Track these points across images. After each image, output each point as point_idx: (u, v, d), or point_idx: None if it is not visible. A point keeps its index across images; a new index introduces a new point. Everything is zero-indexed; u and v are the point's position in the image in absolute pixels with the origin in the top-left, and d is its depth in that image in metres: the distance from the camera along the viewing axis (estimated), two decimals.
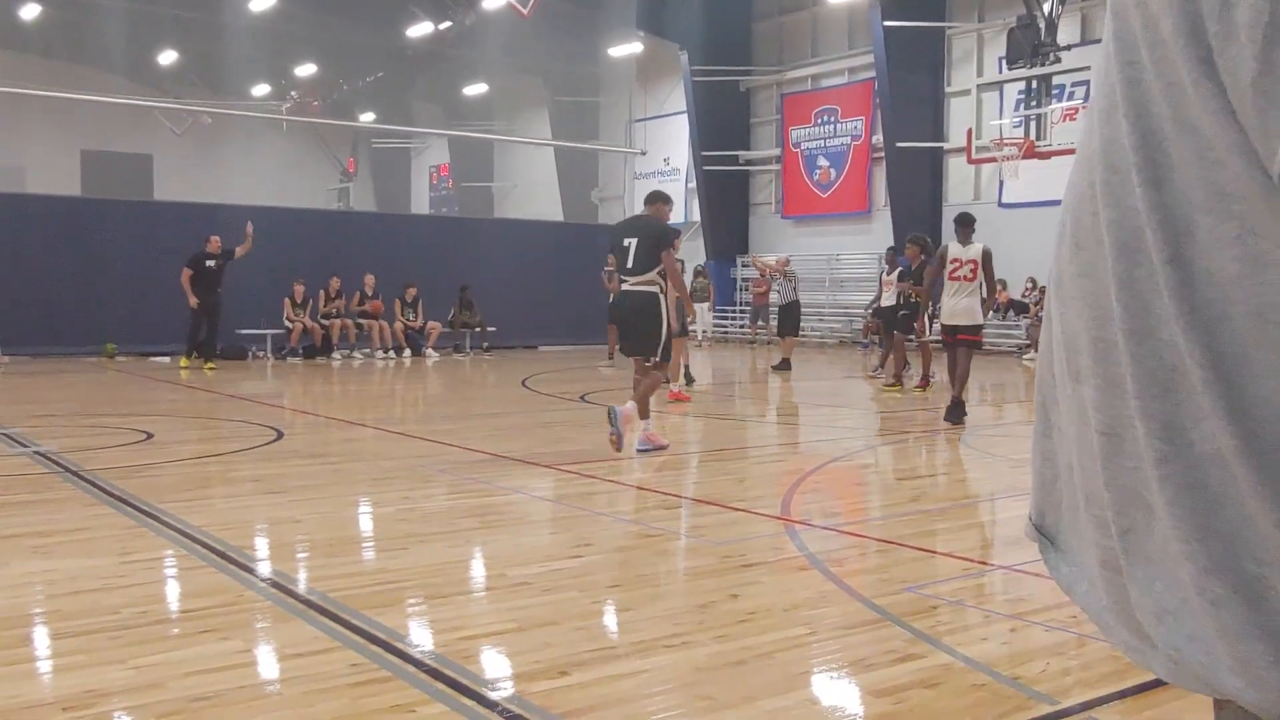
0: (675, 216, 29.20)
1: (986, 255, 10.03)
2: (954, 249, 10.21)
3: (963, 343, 10.15)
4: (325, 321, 18.44)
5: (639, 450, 8.11)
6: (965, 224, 10.24)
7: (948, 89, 22.92)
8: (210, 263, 15.45)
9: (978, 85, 21.86)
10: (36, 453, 7.76)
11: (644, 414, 8.17)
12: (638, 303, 8.12)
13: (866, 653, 3.59)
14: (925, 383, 12.86)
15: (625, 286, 8.27)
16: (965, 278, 10.05)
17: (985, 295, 10.14)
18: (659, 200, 8.57)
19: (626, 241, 8.20)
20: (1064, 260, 0.90)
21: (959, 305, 10.12)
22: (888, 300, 14.45)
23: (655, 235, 8.13)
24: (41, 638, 3.75)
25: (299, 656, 3.50)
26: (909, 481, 7.25)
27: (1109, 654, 3.47)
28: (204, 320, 15.55)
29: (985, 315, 10.37)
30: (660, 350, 8.16)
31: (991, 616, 4.10)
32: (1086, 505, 0.91)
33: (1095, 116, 0.83)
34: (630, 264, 8.13)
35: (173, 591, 4.38)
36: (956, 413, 9.91)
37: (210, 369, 15.42)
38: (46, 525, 5.41)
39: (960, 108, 22.56)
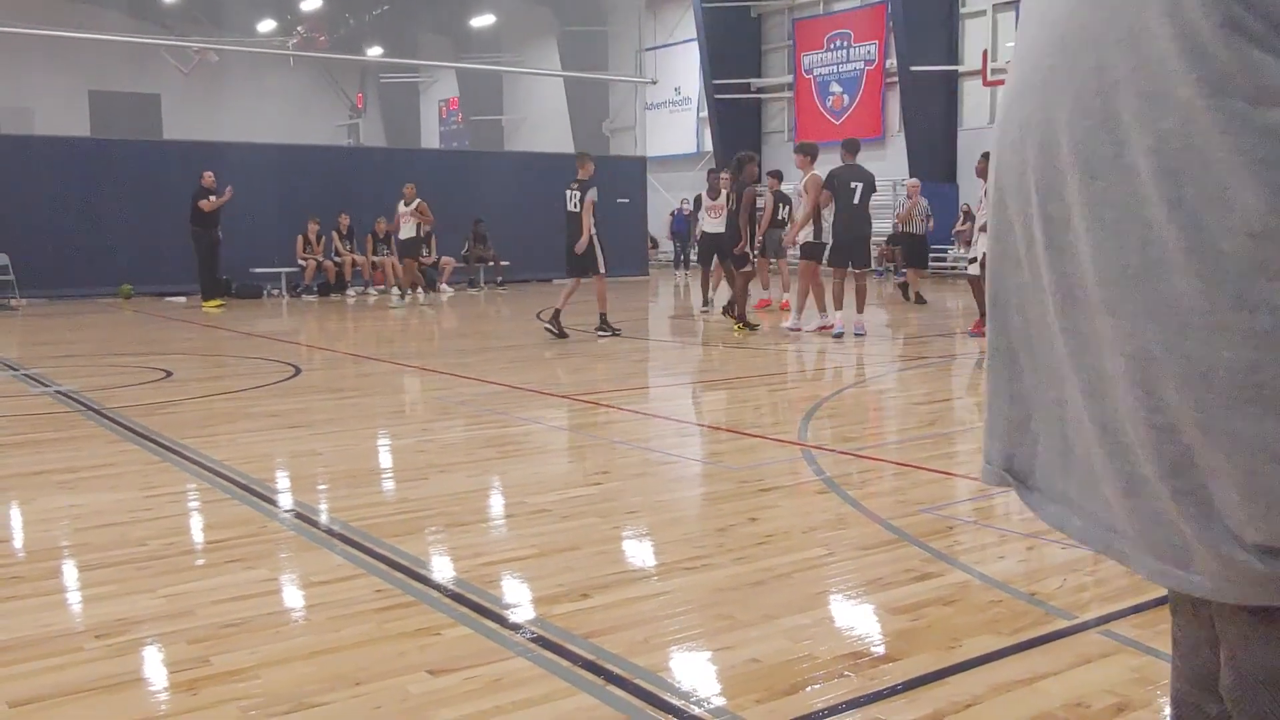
0: (686, 147, 29.10)
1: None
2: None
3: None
4: (338, 259, 18.43)
5: (835, 335, 10.95)
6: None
7: (962, 10, 22.50)
8: (209, 196, 15.48)
9: (993, 5, 21.45)
10: (58, 392, 7.83)
11: (840, 306, 11.03)
12: (865, 230, 11.00)
13: (884, 572, 3.63)
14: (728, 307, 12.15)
15: (850, 218, 10.85)
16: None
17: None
18: (859, 147, 11.10)
19: (853, 185, 10.85)
20: (1072, 195, 0.87)
21: None
22: (714, 228, 13.21)
23: (873, 182, 11.05)
24: (71, 569, 3.81)
25: (324, 584, 3.56)
26: (924, 406, 7.26)
27: (1124, 570, 3.49)
28: (209, 256, 15.55)
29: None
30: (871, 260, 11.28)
31: (1007, 535, 4.13)
32: (1101, 435, 0.89)
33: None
34: (857, 201, 10.83)
35: (198, 523, 4.45)
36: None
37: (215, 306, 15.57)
38: (71, 462, 5.49)
39: (975, 29, 22.17)
